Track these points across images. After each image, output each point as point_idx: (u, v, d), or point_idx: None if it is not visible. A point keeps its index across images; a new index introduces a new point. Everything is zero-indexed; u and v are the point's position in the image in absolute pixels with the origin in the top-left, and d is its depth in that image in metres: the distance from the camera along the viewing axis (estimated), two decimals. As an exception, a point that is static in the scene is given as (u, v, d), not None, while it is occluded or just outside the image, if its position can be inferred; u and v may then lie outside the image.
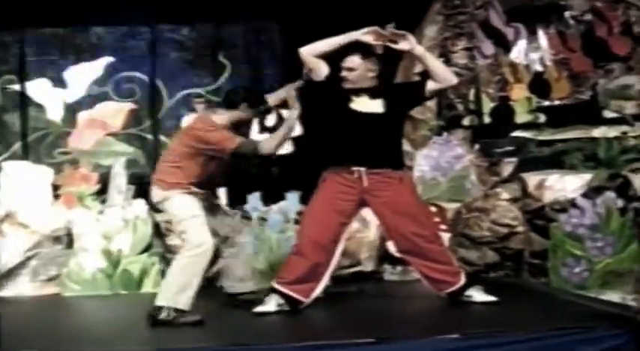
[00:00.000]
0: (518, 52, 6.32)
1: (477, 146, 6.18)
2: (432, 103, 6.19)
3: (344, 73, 3.78)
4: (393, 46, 3.64)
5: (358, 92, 3.76)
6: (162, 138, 6.89)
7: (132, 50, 6.79)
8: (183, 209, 3.71)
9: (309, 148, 5.88)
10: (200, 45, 6.90)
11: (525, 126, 6.20)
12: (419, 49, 3.74)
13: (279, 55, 6.78)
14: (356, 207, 3.87)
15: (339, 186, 3.78)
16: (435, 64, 3.79)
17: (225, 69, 6.92)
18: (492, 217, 5.29)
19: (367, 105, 3.72)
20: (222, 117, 3.76)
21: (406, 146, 5.82)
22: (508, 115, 6.27)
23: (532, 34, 6.28)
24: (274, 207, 5.34)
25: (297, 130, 5.68)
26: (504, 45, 6.40)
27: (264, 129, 6.09)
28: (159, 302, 3.66)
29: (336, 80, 3.80)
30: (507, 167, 5.80)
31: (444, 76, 3.75)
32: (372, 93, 3.75)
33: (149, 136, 6.81)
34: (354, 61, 3.79)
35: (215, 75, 6.91)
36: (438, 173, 5.83)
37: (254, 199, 5.32)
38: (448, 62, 6.19)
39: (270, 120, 6.10)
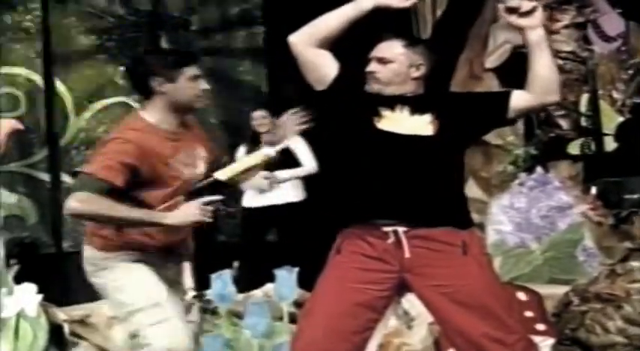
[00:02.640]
0: None
1: (594, 190, 6.18)
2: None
3: (372, 68, 3.78)
4: (511, 19, 3.60)
5: (392, 102, 3.76)
6: (67, 178, 6.91)
7: (11, 31, 7.01)
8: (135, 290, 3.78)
9: (314, 196, 6.27)
10: (129, 24, 7.18)
11: (681, 155, 6.40)
12: (538, 34, 3.69)
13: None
14: (392, 293, 3.78)
15: (364, 258, 3.71)
16: (549, 63, 3.73)
17: None
18: (626, 310, 5.12)
19: (406, 123, 3.73)
20: None
21: (473, 190, 6.07)
22: (650, 136, 6.50)
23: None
24: (256, 294, 5.31)
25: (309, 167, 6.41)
26: None
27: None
28: None
29: (353, 82, 3.81)
30: (648, 225, 6.01)
31: (549, 85, 3.73)
32: (416, 104, 3.75)
33: (43, 176, 6.74)
34: (391, 48, 3.77)
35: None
36: (529, 236, 5.88)
37: (221, 281, 5.30)
38: None
39: None
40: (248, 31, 7.69)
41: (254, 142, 6.37)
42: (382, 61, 3.75)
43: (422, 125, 3.71)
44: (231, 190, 3.96)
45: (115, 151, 3.65)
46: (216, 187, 3.92)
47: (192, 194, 3.82)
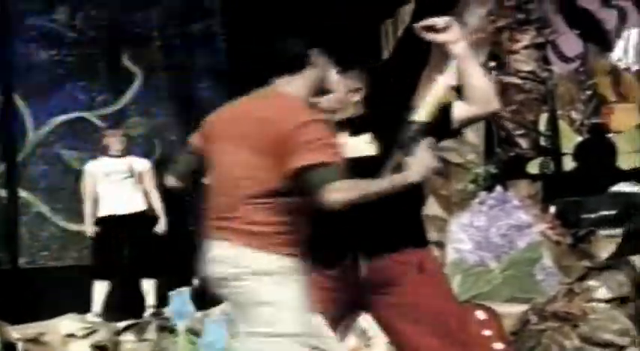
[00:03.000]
0: (625, 51, 6.42)
1: (553, 209, 6.12)
2: (475, 137, 6.11)
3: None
4: (429, 37, 3.59)
5: (334, 127, 3.62)
6: (24, 194, 6.90)
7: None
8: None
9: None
10: (89, 39, 6.97)
11: (636, 174, 6.25)
12: (461, 47, 3.68)
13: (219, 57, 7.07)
14: (347, 312, 3.77)
15: (321, 277, 3.61)
16: (478, 74, 3.70)
17: (135, 78, 7.05)
18: (582, 329, 5.13)
19: (349, 146, 3.62)
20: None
21: (433, 208, 5.97)
22: (606, 155, 6.30)
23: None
24: (214, 311, 5.28)
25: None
26: (599, 38, 6.53)
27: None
28: None
29: None
30: (606, 244, 5.79)
31: (485, 94, 3.73)
32: (355, 126, 3.71)
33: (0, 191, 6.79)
34: (327, 77, 3.66)
35: (115, 89, 7.03)
36: (488, 255, 5.84)
37: (180, 299, 5.38)
38: (503, 69, 6.30)
39: None
40: (210, 47, 7.59)
41: None
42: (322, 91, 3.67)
43: (363, 146, 3.67)
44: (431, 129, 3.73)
45: (328, 134, 3.45)
46: (422, 130, 3.77)
47: (403, 147, 3.66)
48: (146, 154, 7.00)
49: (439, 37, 3.63)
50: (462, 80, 3.71)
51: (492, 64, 6.50)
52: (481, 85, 3.69)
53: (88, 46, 7.20)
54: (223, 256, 3.23)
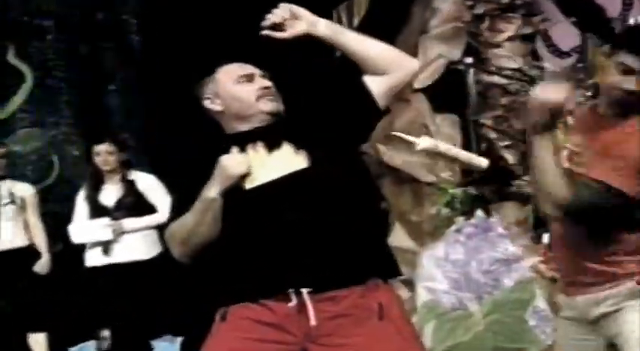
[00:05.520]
0: (633, 42, 6.29)
1: (546, 238, 5.76)
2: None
3: (206, 106, 3.66)
4: (282, 36, 3.54)
5: (243, 139, 3.66)
6: None
7: None
8: None
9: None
10: None
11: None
12: (324, 25, 3.59)
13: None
14: None
15: (257, 326, 3.45)
16: (365, 42, 3.64)
17: (24, 79, 7.19)
18: None
19: (272, 164, 3.59)
20: None
21: (400, 238, 6.11)
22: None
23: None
24: None
25: None
26: (600, 28, 6.36)
27: None
28: None
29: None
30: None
31: (390, 59, 3.65)
32: (274, 136, 3.64)
33: None
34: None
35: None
36: (468, 295, 5.80)
37: None
38: (483, 66, 6.25)
39: None
40: (119, 41, 7.45)
41: (96, 181, 5.89)
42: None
43: (291, 159, 3.54)
44: None
45: None
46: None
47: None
48: (41, 175, 7.00)
49: (296, 30, 3.55)
50: (355, 59, 3.58)
51: (469, 60, 6.38)
52: (378, 51, 3.62)
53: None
54: None
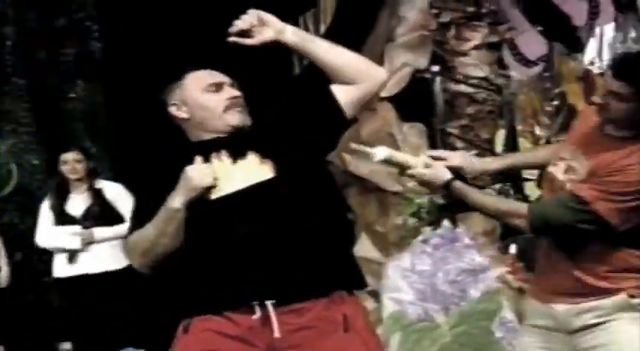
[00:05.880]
0: (598, 51, 6.54)
1: (513, 248, 6.04)
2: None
3: (172, 112, 3.67)
4: (249, 42, 3.57)
5: (207, 148, 3.66)
6: None
7: None
8: None
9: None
10: None
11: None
12: (291, 32, 3.63)
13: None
14: None
15: (220, 339, 3.47)
16: (333, 51, 3.69)
17: None
18: None
19: (236, 175, 3.60)
20: None
21: (365, 248, 6.08)
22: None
23: (629, 10, 6.39)
24: None
25: None
26: (568, 37, 6.49)
27: None
28: None
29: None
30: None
31: (358, 68, 3.69)
32: (239, 145, 3.64)
33: None
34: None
35: None
36: (435, 307, 5.86)
37: None
38: (449, 74, 6.27)
39: None
40: (81, 45, 7.38)
41: (62, 190, 5.87)
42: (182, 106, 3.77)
43: (257, 169, 3.57)
44: None
45: None
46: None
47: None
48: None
49: (264, 36, 3.57)
50: (322, 67, 3.61)
51: (436, 68, 6.40)
52: (346, 60, 3.64)
53: None
54: None
